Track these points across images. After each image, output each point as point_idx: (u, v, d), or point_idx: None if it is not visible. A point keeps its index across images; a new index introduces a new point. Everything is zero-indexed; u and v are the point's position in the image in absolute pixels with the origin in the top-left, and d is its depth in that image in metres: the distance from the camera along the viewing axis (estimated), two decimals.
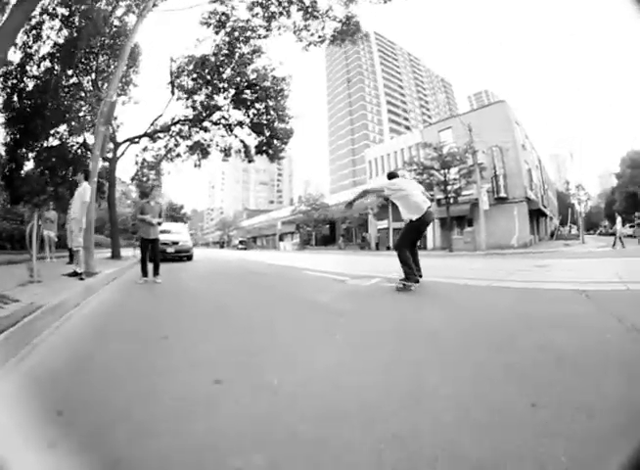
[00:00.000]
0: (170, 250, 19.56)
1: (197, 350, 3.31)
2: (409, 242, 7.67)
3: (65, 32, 18.38)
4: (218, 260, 21.82)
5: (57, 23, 18.19)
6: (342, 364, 2.83)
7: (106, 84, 18.47)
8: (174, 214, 74.07)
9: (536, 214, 41.88)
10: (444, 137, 38.08)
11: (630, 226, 33.67)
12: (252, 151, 22.41)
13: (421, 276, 7.41)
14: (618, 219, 26.47)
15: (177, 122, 21.74)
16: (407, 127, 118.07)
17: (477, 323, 4.10)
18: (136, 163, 23.38)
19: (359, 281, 8.63)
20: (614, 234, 27.65)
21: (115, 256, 19.49)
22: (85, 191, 8.98)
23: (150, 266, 9.68)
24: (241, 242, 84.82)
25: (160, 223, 9.98)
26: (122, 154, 21.01)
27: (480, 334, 3.61)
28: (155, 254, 9.89)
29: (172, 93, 20.92)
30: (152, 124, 21.45)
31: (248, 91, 20.49)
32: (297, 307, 5.53)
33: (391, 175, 8.17)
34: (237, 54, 19.72)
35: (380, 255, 30.22)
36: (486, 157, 33.94)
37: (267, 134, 21.32)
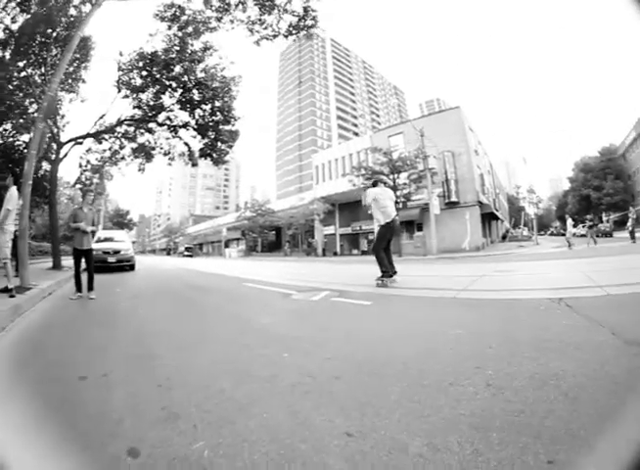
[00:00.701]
0: (112, 259, 18.60)
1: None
2: (382, 245, 8.95)
3: (21, 18, 16.80)
4: (159, 271, 20.47)
5: (13, 5, 16.50)
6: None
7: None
8: (120, 220, 72.60)
9: (488, 218, 42.89)
10: (395, 142, 38.41)
11: (583, 226, 34.79)
12: (197, 154, 21.50)
13: (395, 272, 8.85)
14: (569, 221, 27.20)
15: (122, 122, 20.58)
16: (356, 134, 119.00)
17: (454, 353, 3.34)
18: (80, 165, 22.23)
19: (306, 295, 7.88)
20: (564, 234, 28.97)
21: (56, 266, 18.38)
22: (11, 197, 8.01)
23: (85, 279, 8.80)
24: (187, 249, 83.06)
25: (93, 232, 9.11)
26: (66, 155, 19.88)
27: (461, 368, 2.88)
28: (89, 266, 8.95)
29: (118, 90, 19.68)
30: (95, 124, 20.21)
31: (195, 91, 19.51)
32: (234, 335, 4.63)
33: (375, 183, 9.51)
34: (188, 51, 18.73)
35: (326, 261, 29.61)
36: (438, 161, 34.22)
37: (212, 137, 20.40)
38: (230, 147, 21.01)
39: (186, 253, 78.99)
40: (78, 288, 8.61)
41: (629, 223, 26.33)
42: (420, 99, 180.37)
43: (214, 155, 20.88)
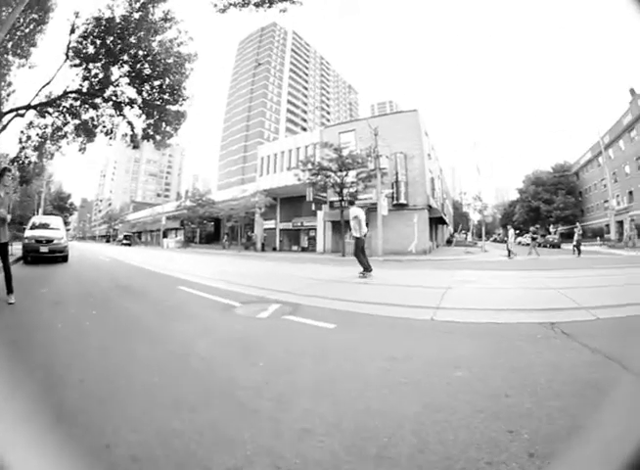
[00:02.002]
0: (44, 249, 17.03)
1: None
2: (361, 250, 12.13)
3: None
4: (92, 264, 18.78)
5: None
6: None
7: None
8: (61, 204, 69.55)
9: (435, 222, 42.76)
10: (345, 139, 37.48)
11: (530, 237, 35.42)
12: (139, 136, 19.82)
13: (371, 269, 11.76)
14: (511, 232, 27.18)
15: (68, 94, 18.45)
16: (304, 129, 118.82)
17: (469, 408, 2.56)
18: (20, 140, 19.79)
19: (251, 309, 6.69)
20: (505, 242, 29.71)
21: None
22: None
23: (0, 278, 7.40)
24: (125, 237, 79.47)
25: (3, 220, 7.37)
26: (4, 128, 18.14)
27: (489, 433, 2.21)
28: (5, 264, 7.44)
29: (66, 57, 17.49)
30: (38, 94, 18.06)
31: (147, 64, 17.85)
32: (163, 379, 3.34)
33: (352, 203, 14.46)
34: (147, 19, 16.98)
35: (268, 258, 28.59)
36: (390, 162, 33.61)
37: (156, 116, 18.83)
38: (175, 130, 19.48)
39: (124, 241, 75.47)
40: None
41: (575, 238, 27.04)
42: (372, 100, 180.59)
43: (157, 137, 19.35)
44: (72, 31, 17.02)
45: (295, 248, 44.48)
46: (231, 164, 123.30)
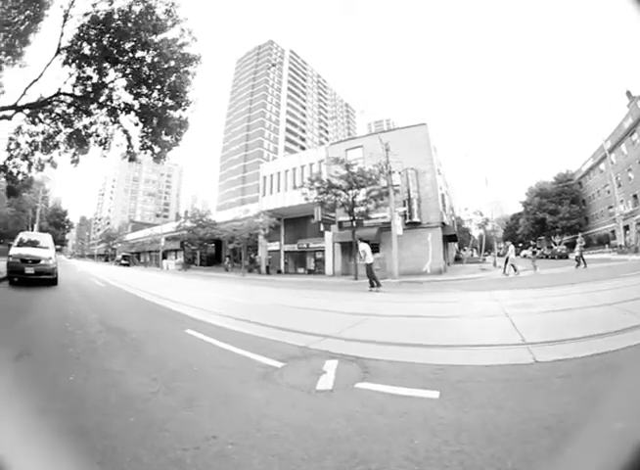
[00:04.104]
0: (30, 270, 15.16)
1: None
2: (373, 271, 17.81)
3: None
4: (83, 291, 16.24)
5: None
6: None
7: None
8: (58, 221, 68.43)
9: (446, 240, 41.70)
10: (352, 156, 35.88)
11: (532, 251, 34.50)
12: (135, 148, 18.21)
13: (380, 284, 17.40)
14: (511, 247, 25.97)
15: (59, 95, 16.78)
16: (303, 148, 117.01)
17: None
18: (8, 148, 18.28)
19: (301, 371, 4.94)
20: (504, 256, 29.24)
21: None
22: None
23: None
24: (124, 257, 77.53)
25: None
26: None
27: None
28: None
29: (58, 51, 15.71)
30: (25, 93, 16.34)
31: (145, 68, 16.17)
32: None
33: (362, 240, 20.10)
34: (153, 16, 15.31)
35: (276, 282, 27.26)
36: (402, 178, 32.11)
37: (155, 124, 17.09)
38: (176, 140, 17.79)
39: (123, 261, 73.79)
40: None
41: (577, 249, 26.54)
42: (369, 119, 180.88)
43: (156, 148, 17.63)
44: (65, 21, 15.42)
45: (300, 270, 42.70)
46: (230, 184, 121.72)
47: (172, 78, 16.15)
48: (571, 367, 4.34)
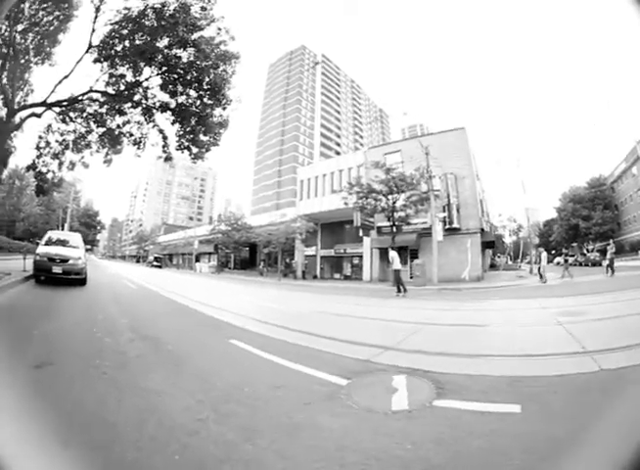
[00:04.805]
0: (57, 269, 14.52)
1: None
2: (400, 277, 18.63)
3: None
4: (115, 293, 15.61)
5: None
6: None
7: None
8: (89, 222, 69.54)
9: (483, 246, 39.88)
10: (391, 161, 34.90)
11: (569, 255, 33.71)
12: (173, 146, 17.84)
13: (406, 290, 18.39)
14: (544, 254, 25.85)
15: (91, 93, 16.56)
16: (338, 153, 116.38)
17: None
18: (37, 146, 18.04)
19: (369, 390, 4.33)
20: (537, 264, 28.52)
21: None
22: None
23: None
24: (156, 258, 77.60)
25: None
26: (18, 127, 16.37)
27: None
28: None
29: (89, 48, 15.50)
30: (54, 90, 16.02)
31: (183, 66, 15.84)
32: None
33: (392, 248, 22.32)
34: (188, 14, 14.95)
35: (314, 287, 27.03)
36: (441, 184, 31.42)
37: (193, 123, 16.72)
38: (215, 140, 17.45)
39: (155, 263, 73.95)
40: None
41: (608, 256, 25.67)
42: (402, 124, 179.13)
43: (194, 148, 17.32)
44: (96, 17, 15.15)
45: (337, 276, 42.24)
46: (265, 188, 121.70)
47: (211, 76, 15.82)
48: (637, 373, 4.29)
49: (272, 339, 7.20)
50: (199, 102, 16.47)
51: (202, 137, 17.23)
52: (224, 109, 16.73)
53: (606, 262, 26.07)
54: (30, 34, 15.66)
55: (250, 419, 3.49)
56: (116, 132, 18.00)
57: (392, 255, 19.50)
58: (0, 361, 4.79)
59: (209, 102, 16.39)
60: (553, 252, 67.72)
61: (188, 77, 15.91)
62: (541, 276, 24.29)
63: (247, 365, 5.51)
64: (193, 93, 16.37)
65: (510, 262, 68.77)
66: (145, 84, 16.57)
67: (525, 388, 4.11)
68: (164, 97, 16.76)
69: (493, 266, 54.89)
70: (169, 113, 16.87)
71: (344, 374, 4.81)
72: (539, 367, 4.90)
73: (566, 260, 27.87)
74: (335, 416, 3.57)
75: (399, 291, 18.33)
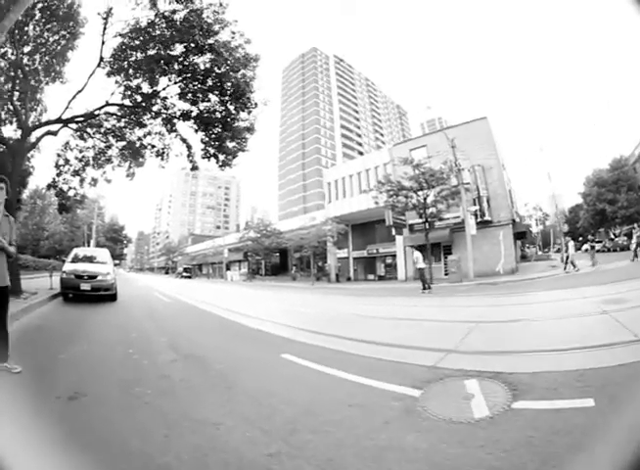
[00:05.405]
0: (86, 286, 14.31)
1: None
2: (424, 275, 20.43)
3: None
4: (148, 308, 14.95)
5: None
6: None
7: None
8: (115, 236, 70.73)
9: (515, 237, 39.47)
10: (417, 156, 34.14)
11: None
12: (198, 155, 17.69)
13: (430, 287, 19.85)
14: (571, 243, 25.25)
15: (108, 106, 16.50)
16: (360, 153, 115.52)
17: None
18: (56, 165, 18.10)
19: (443, 399, 4.01)
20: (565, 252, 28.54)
21: (14, 290, 13.08)
22: None
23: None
24: (185, 269, 77.43)
25: (10, 256, 4.94)
26: (34, 146, 16.44)
27: None
28: (2, 319, 4.91)
29: (100, 60, 15.49)
30: (68, 106, 15.94)
31: (202, 73, 15.60)
32: None
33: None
34: (200, 20, 14.61)
35: (350, 290, 26.42)
36: (470, 176, 30.71)
37: (218, 129, 16.54)
38: (241, 146, 17.15)
39: (184, 274, 73.79)
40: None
41: (634, 240, 26.07)
42: (421, 119, 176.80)
43: (220, 155, 17.08)
44: (104, 29, 15.02)
45: (370, 277, 42.01)
46: (291, 193, 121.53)
47: (233, 80, 15.44)
48: None
49: (325, 349, 6.76)
50: (222, 108, 16.24)
51: (228, 143, 16.98)
52: (249, 112, 16.49)
53: (633, 247, 25.81)
54: (38, 55, 15.77)
55: (327, 448, 3.02)
56: (137, 145, 17.98)
57: (417, 254, 21.23)
58: (27, 393, 4.27)
59: (234, 106, 16.15)
60: (580, 238, 66.16)
61: (208, 84, 15.72)
62: (569, 265, 24.22)
63: (307, 383, 5.01)
64: (215, 99, 16.16)
65: (540, 252, 67.66)
66: (162, 94, 16.44)
67: (591, 380, 4.01)
68: (185, 105, 16.63)
69: (524, 257, 54.20)
70: (192, 121, 16.70)
71: (415, 384, 4.42)
72: (599, 359, 4.77)
73: (592, 247, 28.21)
74: (418, 432, 3.22)
75: (424, 288, 19.53)
